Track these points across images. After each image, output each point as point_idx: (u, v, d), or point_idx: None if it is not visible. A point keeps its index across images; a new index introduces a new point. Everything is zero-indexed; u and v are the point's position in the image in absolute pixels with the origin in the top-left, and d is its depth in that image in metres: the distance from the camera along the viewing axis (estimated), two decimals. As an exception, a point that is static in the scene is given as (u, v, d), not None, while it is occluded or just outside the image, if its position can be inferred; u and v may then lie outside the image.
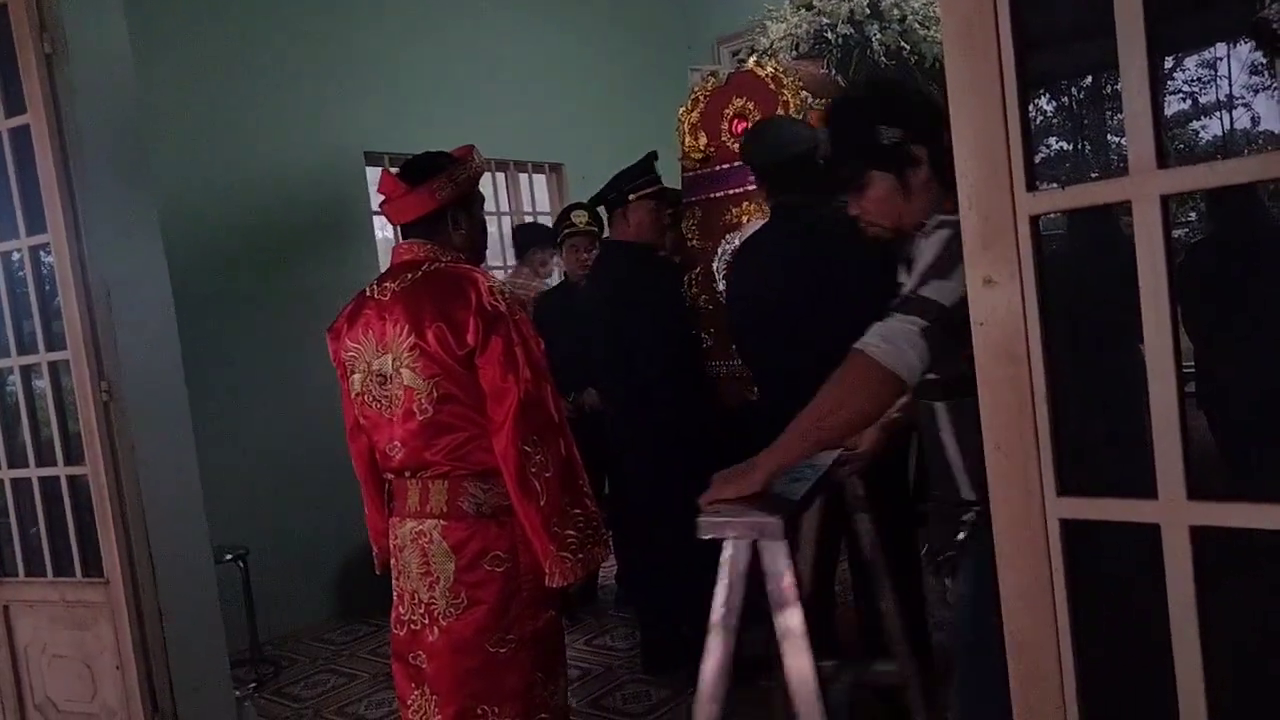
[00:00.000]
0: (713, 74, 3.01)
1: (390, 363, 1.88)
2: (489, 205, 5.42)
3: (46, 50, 2.67)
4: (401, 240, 2.00)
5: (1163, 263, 0.92)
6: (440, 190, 1.92)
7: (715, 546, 1.45)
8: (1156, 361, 0.93)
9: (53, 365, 2.77)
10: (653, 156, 3.08)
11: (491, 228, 5.56)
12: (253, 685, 3.58)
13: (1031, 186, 0.99)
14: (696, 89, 3.06)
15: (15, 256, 2.82)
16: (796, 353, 2.28)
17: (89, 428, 2.71)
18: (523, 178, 5.58)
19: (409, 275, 1.90)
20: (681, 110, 3.13)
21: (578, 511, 1.85)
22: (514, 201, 5.56)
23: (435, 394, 1.84)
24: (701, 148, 3.04)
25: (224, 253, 4.01)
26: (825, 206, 2.40)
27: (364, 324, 1.93)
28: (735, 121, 2.95)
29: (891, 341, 1.39)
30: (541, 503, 1.80)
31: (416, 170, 1.94)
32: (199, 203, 3.92)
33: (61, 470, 2.78)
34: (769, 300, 2.49)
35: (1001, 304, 1.02)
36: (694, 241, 3.13)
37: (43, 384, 2.79)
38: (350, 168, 4.54)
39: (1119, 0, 0.91)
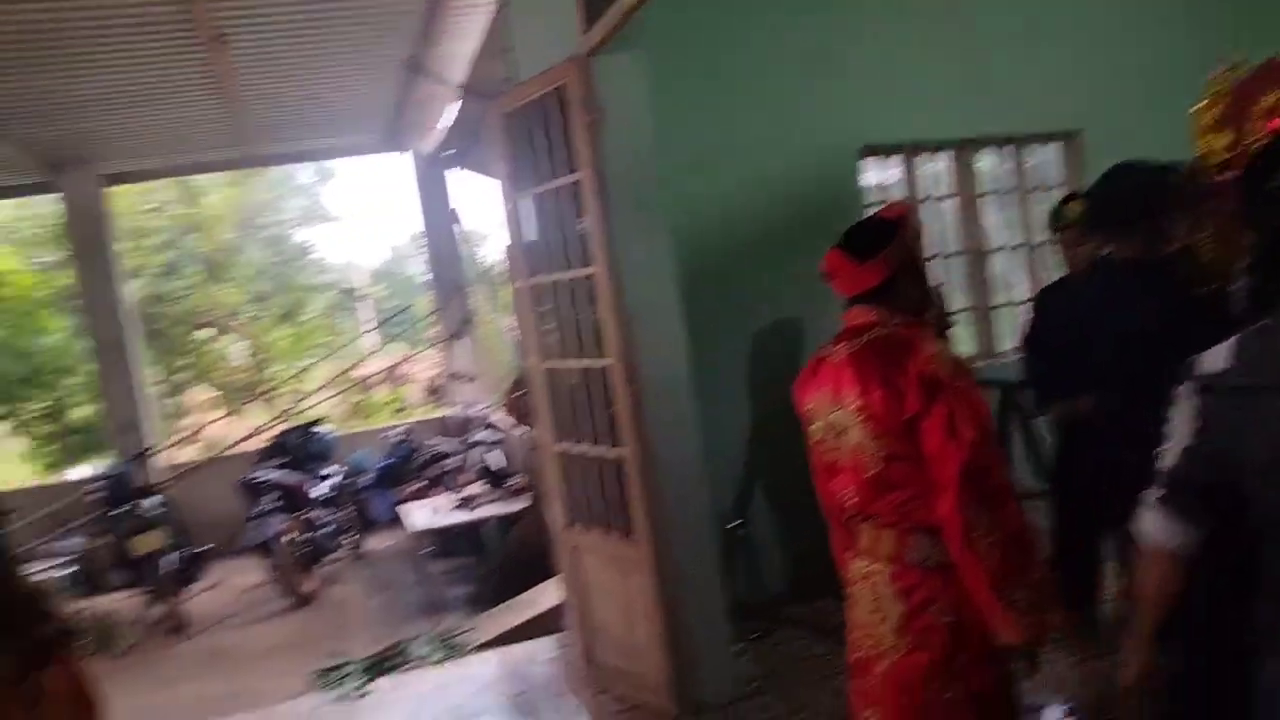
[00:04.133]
0: (1235, 65, 2.56)
1: (843, 417, 2.06)
2: (992, 184, 5.20)
3: (587, 119, 3.31)
4: (850, 305, 2.13)
5: None
6: (891, 259, 2.03)
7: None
8: None
9: (600, 370, 3.49)
10: (1168, 169, 2.71)
11: (994, 210, 5.33)
12: (755, 636, 4.10)
13: None
14: (1217, 83, 2.63)
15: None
16: None
17: (623, 420, 3.39)
18: (1028, 149, 5.24)
19: (858, 339, 2.06)
20: (1197, 108, 2.72)
21: (1027, 578, 1.87)
22: (1019, 177, 5.25)
23: (882, 452, 1.98)
24: (1221, 149, 2.63)
25: (728, 250, 4.46)
26: None
27: (820, 380, 2.14)
28: (1269, 118, 2.49)
29: (1148, 522, 1.63)
30: (987, 566, 1.85)
31: (863, 242, 2.06)
32: (707, 210, 4.41)
33: (607, 451, 3.53)
34: None
35: None
36: (1210, 256, 2.73)
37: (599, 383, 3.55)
38: (846, 163, 4.74)
39: None
